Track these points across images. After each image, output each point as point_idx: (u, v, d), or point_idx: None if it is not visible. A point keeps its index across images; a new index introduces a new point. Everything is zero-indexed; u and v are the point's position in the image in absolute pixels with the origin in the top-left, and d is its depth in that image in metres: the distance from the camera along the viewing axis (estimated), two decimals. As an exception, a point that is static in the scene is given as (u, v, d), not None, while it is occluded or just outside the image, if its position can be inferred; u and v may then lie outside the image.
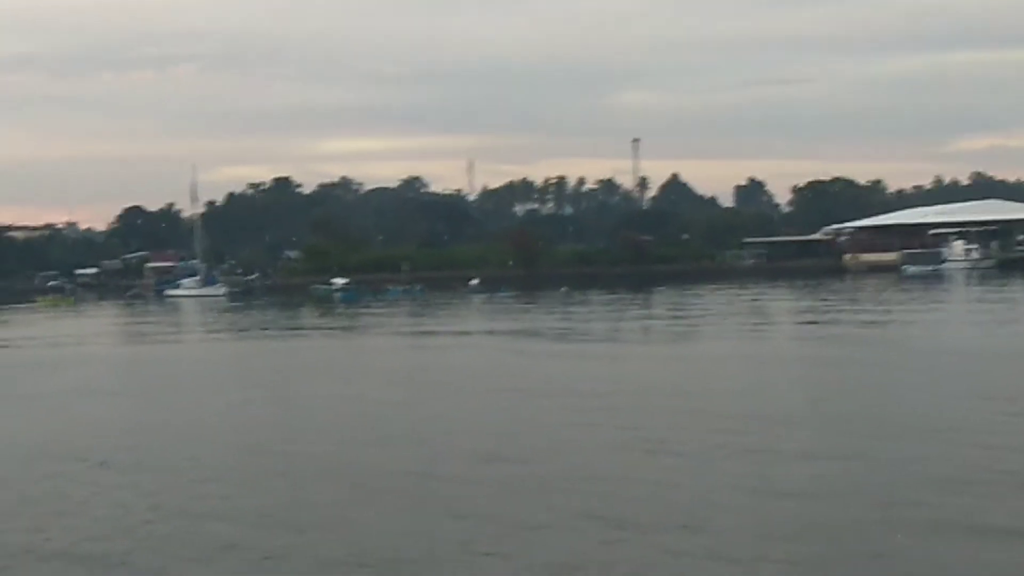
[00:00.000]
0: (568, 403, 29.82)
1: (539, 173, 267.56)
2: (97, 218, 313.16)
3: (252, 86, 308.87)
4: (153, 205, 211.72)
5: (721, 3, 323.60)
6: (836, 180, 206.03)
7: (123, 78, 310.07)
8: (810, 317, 69.55)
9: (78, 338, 70.66)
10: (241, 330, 74.82)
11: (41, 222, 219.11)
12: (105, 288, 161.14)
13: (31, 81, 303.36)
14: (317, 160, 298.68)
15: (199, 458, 23.63)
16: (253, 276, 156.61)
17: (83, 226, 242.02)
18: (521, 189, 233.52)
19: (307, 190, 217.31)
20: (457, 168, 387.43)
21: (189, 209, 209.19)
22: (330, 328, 74.24)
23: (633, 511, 17.23)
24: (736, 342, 51.76)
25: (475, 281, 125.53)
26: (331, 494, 19.53)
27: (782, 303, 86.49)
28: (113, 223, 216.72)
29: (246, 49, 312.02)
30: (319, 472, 21.65)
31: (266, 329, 74.93)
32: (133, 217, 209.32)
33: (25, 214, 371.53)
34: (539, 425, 26.54)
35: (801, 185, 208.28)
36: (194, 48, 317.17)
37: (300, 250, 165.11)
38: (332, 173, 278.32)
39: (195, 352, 59.39)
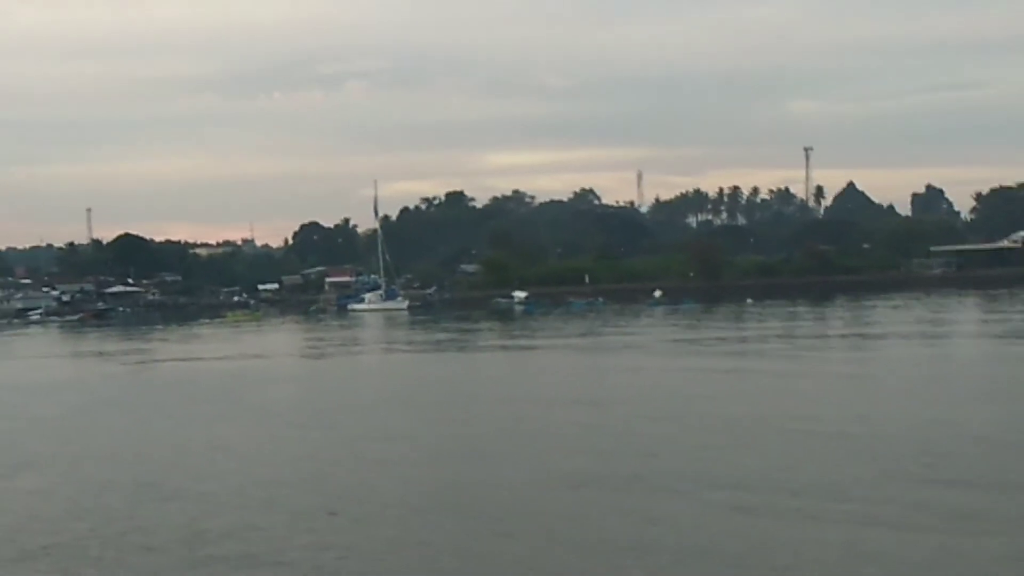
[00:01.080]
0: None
1: (707, 184, 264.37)
2: (272, 234, 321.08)
3: (420, 102, 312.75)
4: (325, 221, 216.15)
5: (893, 7, 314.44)
6: (1023, 186, 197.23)
7: (294, 97, 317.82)
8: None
9: (279, 351, 71.14)
10: (434, 344, 74.01)
11: (220, 239, 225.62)
12: (286, 303, 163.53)
13: (205, 102, 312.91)
14: (485, 174, 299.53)
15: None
16: (431, 290, 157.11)
17: (259, 242, 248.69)
18: (694, 200, 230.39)
19: (479, 204, 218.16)
20: (624, 180, 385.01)
21: (366, 224, 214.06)
22: (524, 343, 73.02)
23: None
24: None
25: (658, 293, 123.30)
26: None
27: (985, 315, 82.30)
28: (290, 239, 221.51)
29: (414, 66, 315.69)
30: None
31: (459, 343, 74.23)
32: (310, 233, 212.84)
33: (204, 231, 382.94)
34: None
35: (984, 192, 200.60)
36: (363, 65, 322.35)
37: (478, 263, 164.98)
38: (499, 187, 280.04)
39: (401, 367, 58.74)
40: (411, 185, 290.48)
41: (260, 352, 69.58)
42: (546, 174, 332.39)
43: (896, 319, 77.69)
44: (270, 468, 25.12)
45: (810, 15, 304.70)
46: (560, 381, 43.75)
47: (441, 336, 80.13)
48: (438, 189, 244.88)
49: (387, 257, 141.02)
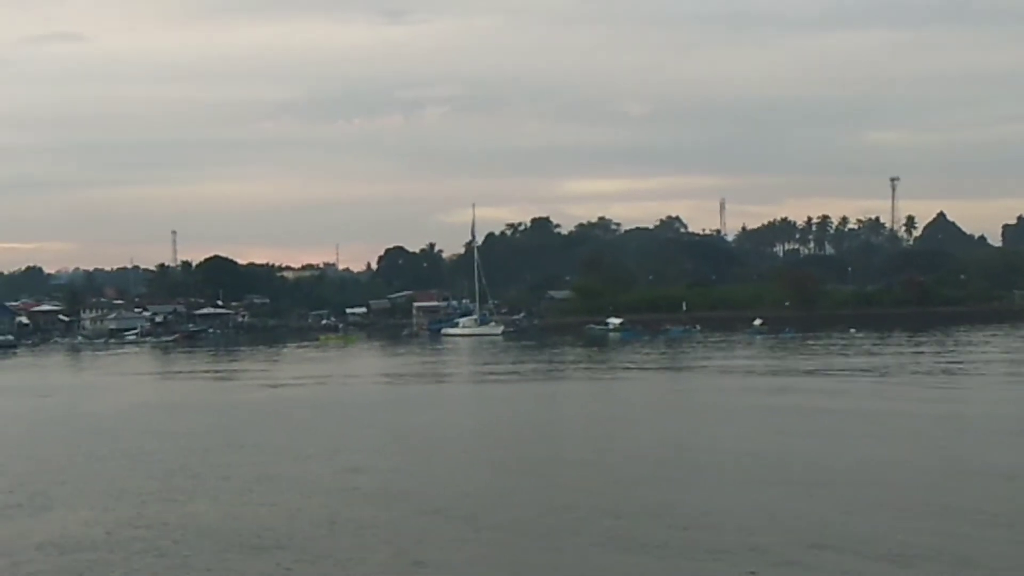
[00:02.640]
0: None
1: (785, 213, 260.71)
2: (352, 258, 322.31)
3: (498, 128, 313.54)
4: (404, 245, 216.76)
5: (976, 37, 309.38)
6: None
7: (374, 122, 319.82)
8: None
9: (393, 375, 70.68)
10: (545, 372, 73.07)
11: (300, 262, 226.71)
12: (374, 327, 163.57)
13: (287, 126, 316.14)
14: (563, 201, 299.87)
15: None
16: (519, 315, 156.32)
17: (341, 266, 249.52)
18: (782, 229, 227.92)
19: (564, 230, 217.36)
20: (701, 208, 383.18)
21: (451, 249, 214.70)
22: (640, 373, 71.99)
23: None
24: None
25: (758, 321, 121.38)
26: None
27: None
28: (372, 263, 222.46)
29: (492, 92, 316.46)
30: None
31: (569, 371, 73.36)
32: (395, 257, 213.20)
33: (285, 254, 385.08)
34: None
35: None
36: (442, 91, 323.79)
37: (570, 289, 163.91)
38: (575, 214, 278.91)
39: (527, 395, 57.88)
40: (488, 211, 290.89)
41: (378, 375, 69.33)
42: (623, 202, 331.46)
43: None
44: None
45: (892, 45, 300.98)
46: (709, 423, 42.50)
47: (546, 364, 79.08)
48: (515, 215, 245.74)
49: (483, 282, 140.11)
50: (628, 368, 71.86)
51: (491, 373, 70.60)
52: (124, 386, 68.12)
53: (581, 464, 29.34)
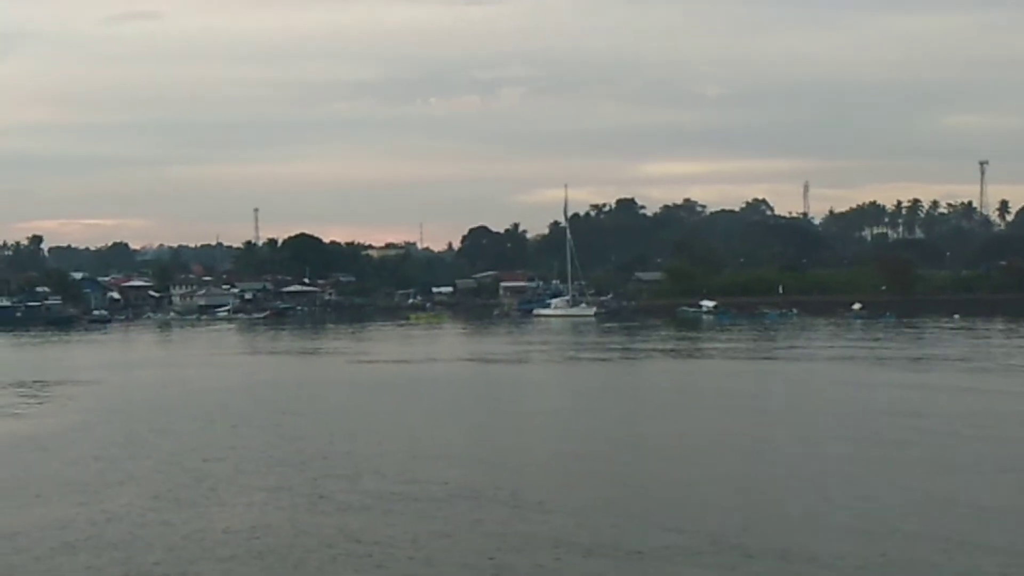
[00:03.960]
0: None
1: (865, 196, 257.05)
2: (431, 237, 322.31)
3: (575, 109, 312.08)
4: (479, 224, 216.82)
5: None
6: None
7: (449, 102, 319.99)
8: None
9: (501, 355, 70.05)
10: (648, 352, 72.04)
11: (378, 240, 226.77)
12: (460, 306, 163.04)
13: (364, 106, 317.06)
14: (640, 182, 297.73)
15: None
16: (607, 296, 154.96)
17: (421, 245, 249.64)
18: (870, 213, 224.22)
19: (647, 212, 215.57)
20: (778, 191, 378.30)
21: (535, 229, 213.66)
22: (750, 355, 70.77)
23: None
24: None
25: (857, 306, 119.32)
26: None
27: None
28: (454, 243, 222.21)
29: (569, 73, 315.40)
30: None
31: (672, 352, 72.28)
32: (478, 237, 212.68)
33: (363, 233, 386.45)
34: None
35: None
36: (519, 72, 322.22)
37: (660, 271, 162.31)
38: (651, 196, 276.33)
39: (648, 374, 56.99)
40: (563, 193, 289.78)
41: (482, 355, 68.82)
42: (701, 184, 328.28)
43: None
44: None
45: (974, 27, 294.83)
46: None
47: (647, 344, 78.18)
48: (592, 197, 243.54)
49: (576, 263, 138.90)
50: (747, 352, 70.50)
51: (603, 354, 69.63)
52: (239, 362, 68.48)
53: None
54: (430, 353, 70.81)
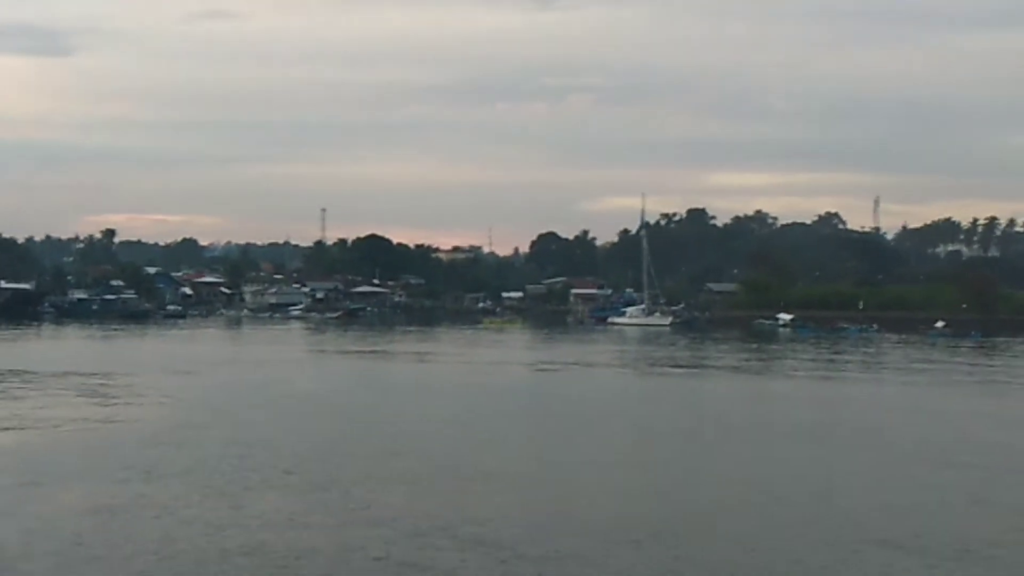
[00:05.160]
0: None
1: (935, 213, 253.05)
2: (495, 241, 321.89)
3: (642, 119, 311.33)
4: (558, 231, 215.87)
5: None
6: None
7: (517, 108, 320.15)
8: None
9: (603, 364, 69.32)
10: (739, 367, 70.98)
11: (444, 244, 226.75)
12: (530, 312, 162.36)
13: (431, 110, 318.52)
14: (706, 193, 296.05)
15: None
16: (678, 307, 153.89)
17: (487, 249, 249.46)
18: (945, 229, 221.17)
19: (717, 223, 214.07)
20: (843, 205, 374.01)
21: (604, 237, 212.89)
22: (841, 373, 69.49)
23: None
24: None
25: (940, 324, 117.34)
26: None
27: None
28: (522, 248, 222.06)
29: (638, 83, 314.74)
30: None
31: (757, 367, 71.11)
32: (547, 242, 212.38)
33: (428, 235, 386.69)
34: None
35: None
36: (588, 80, 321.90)
37: (736, 282, 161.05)
38: (719, 207, 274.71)
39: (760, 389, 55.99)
40: (632, 201, 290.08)
41: (583, 361, 68.13)
42: (766, 196, 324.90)
43: None
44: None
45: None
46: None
47: (736, 357, 76.84)
48: (658, 206, 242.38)
49: (652, 272, 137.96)
50: (848, 371, 69.13)
51: (695, 365, 68.65)
52: (327, 362, 68.32)
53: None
54: (528, 359, 70.25)
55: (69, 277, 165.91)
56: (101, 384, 46.23)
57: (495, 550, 18.33)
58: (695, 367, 66.95)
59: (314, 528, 19.79)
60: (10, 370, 51.51)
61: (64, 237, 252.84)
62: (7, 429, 31.98)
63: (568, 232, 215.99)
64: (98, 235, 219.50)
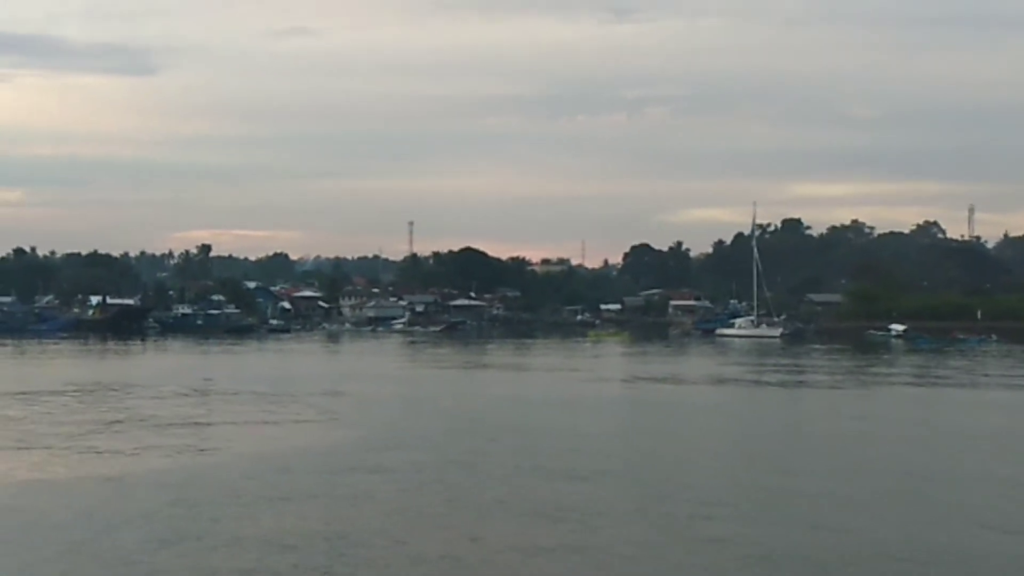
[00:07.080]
0: None
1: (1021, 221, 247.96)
2: (586, 253, 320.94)
3: (721, 129, 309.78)
4: (652, 242, 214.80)
5: None
6: None
7: (596, 120, 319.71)
8: None
9: (741, 378, 68.30)
10: (868, 382, 69.39)
11: (532, 256, 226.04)
12: (629, 324, 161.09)
13: (512, 122, 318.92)
14: (788, 203, 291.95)
15: None
16: (780, 317, 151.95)
17: (575, 261, 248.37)
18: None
19: (813, 233, 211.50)
20: (929, 214, 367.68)
21: (699, 248, 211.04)
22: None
23: None
24: None
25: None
26: None
27: None
28: (610, 260, 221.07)
29: (716, 93, 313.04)
30: None
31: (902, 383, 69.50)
32: (641, 254, 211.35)
33: (515, 248, 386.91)
34: None
35: None
36: (665, 91, 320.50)
37: (842, 293, 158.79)
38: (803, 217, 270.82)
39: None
40: (713, 212, 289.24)
41: (720, 377, 67.10)
42: (850, 205, 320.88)
43: None
44: None
45: None
46: None
47: (873, 370, 75.42)
48: (738, 217, 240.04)
49: (763, 284, 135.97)
50: (995, 388, 67.50)
51: (839, 382, 67.23)
52: (467, 377, 67.97)
53: None
54: (638, 371, 69.56)
55: (171, 292, 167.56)
56: (274, 404, 46.05)
57: None
58: (839, 386, 65.27)
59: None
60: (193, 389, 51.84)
61: (157, 253, 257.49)
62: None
63: (659, 243, 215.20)
64: (194, 250, 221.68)
